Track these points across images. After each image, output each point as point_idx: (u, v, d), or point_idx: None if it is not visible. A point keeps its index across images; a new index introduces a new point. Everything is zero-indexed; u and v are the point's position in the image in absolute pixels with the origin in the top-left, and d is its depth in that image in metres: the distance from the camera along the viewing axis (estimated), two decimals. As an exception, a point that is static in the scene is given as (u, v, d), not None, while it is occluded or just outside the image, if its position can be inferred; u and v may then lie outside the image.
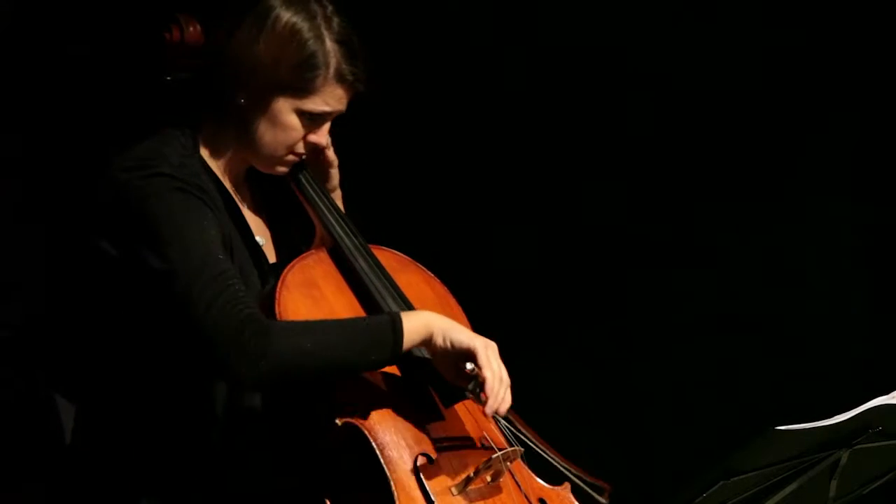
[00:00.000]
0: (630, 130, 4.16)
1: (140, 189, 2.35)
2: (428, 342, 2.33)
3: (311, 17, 2.45)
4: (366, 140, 3.23)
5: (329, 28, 2.46)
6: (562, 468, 2.46)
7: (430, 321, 2.34)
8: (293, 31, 2.43)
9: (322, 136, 2.51)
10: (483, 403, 2.32)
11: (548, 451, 2.45)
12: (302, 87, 2.43)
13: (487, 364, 2.31)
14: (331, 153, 2.62)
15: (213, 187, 2.46)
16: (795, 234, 4.21)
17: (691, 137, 4.18)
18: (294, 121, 2.46)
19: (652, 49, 4.15)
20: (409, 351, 2.37)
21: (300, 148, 2.50)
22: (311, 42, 2.43)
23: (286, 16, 2.44)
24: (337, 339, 2.28)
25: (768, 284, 4.18)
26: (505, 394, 2.34)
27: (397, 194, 3.95)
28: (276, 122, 2.46)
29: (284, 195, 2.62)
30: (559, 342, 4.15)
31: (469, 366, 2.31)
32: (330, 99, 2.46)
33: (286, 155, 2.50)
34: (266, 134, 2.47)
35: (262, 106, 2.45)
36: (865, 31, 4.19)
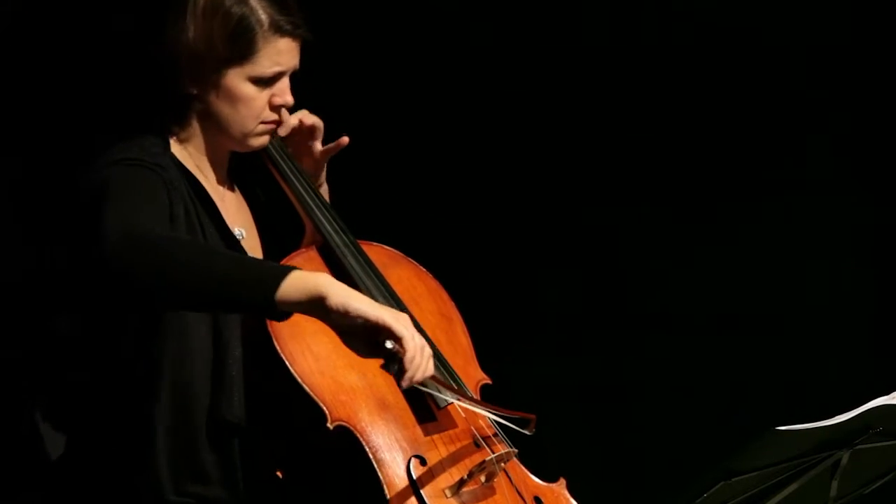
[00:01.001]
0: (627, 126, 4.15)
1: (100, 174, 2.32)
2: (320, 305, 2.14)
3: None
4: (359, 135, 3.20)
5: None
6: (481, 409, 2.40)
7: (326, 284, 2.15)
8: (214, 6, 2.39)
9: (285, 96, 2.46)
10: (400, 377, 2.17)
11: (461, 397, 2.39)
12: (244, 53, 2.39)
13: (408, 337, 2.16)
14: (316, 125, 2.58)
15: (184, 180, 2.42)
16: (796, 233, 4.20)
17: (690, 135, 4.16)
18: (250, 90, 2.42)
19: (648, 48, 4.14)
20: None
21: (268, 115, 2.46)
22: (234, 7, 2.39)
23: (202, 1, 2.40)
24: (218, 263, 2.16)
25: (769, 283, 4.17)
26: (427, 363, 2.20)
27: (391, 189, 3.94)
28: (233, 98, 2.42)
29: (274, 192, 2.60)
30: (556, 338, 4.13)
31: (389, 344, 2.15)
32: (276, 56, 2.41)
33: (257, 126, 2.46)
34: (229, 113, 2.43)
35: (214, 88, 2.40)
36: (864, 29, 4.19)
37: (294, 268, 2.15)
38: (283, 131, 2.53)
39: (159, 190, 2.33)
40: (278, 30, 2.40)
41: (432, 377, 2.26)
